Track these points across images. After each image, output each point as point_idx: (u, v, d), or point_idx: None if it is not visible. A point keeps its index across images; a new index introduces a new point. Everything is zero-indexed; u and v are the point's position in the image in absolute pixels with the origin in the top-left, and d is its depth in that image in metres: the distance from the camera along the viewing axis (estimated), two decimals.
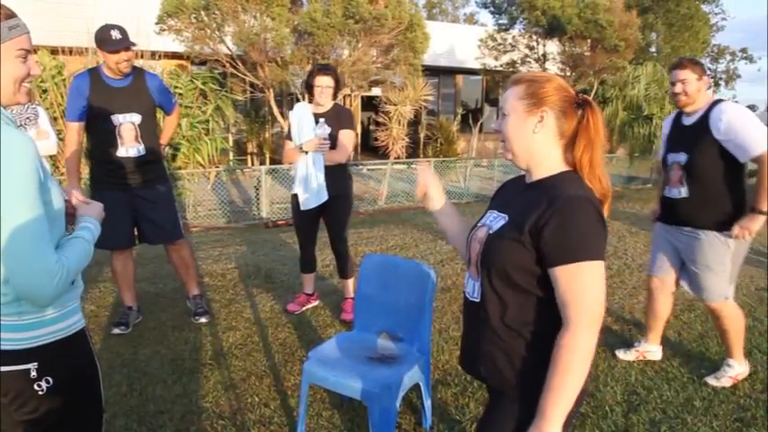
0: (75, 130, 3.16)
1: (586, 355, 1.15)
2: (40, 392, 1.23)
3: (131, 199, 3.24)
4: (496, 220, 1.32)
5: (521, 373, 1.25)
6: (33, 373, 1.21)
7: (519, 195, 1.33)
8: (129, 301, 3.43)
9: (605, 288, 1.20)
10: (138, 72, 3.23)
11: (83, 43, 8.26)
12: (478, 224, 1.39)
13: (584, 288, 1.15)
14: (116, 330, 3.29)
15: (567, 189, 1.22)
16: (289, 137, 3.48)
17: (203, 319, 3.48)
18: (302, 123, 3.38)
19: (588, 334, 1.15)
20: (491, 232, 1.31)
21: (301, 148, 3.34)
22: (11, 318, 1.19)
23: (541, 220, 1.19)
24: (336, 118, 3.38)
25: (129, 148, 3.17)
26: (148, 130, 3.24)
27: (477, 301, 1.32)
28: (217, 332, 3.33)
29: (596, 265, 1.16)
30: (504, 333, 1.27)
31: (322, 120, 3.37)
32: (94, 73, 3.15)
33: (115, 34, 3.01)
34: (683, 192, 2.78)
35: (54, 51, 8.23)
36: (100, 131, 3.15)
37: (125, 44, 3.04)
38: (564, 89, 1.28)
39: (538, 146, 1.28)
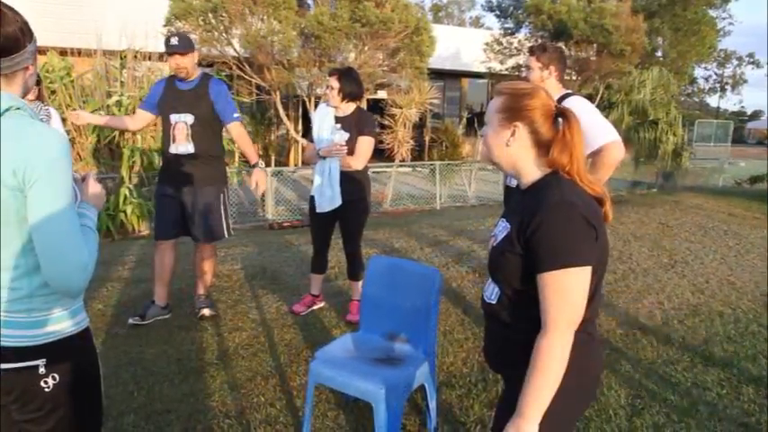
0: (138, 113, 3.58)
1: (561, 357, 1.19)
2: (47, 389, 1.24)
3: (178, 194, 3.43)
4: (502, 229, 1.37)
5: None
6: (42, 370, 1.23)
7: (518, 203, 1.37)
8: (156, 295, 3.53)
9: (586, 294, 1.22)
10: (204, 77, 3.42)
11: (91, 45, 8.35)
12: (491, 233, 1.44)
13: (562, 295, 1.19)
14: (130, 320, 3.42)
15: (547, 195, 1.24)
16: (311, 138, 3.52)
17: (206, 312, 3.56)
18: (322, 126, 3.41)
19: (563, 339, 1.19)
20: (495, 244, 1.36)
21: (319, 153, 3.37)
22: (20, 315, 1.21)
23: (528, 230, 1.22)
24: (356, 123, 3.37)
25: (179, 146, 3.36)
26: (201, 132, 3.36)
27: (494, 303, 1.37)
28: (223, 332, 3.36)
29: (576, 271, 1.19)
30: (515, 329, 1.32)
31: (338, 125, 3.37)
32: (170, 77, 3.42)
33: (173, 40, 3.25)
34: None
35: (63, 53, 8.30)
36: (163, 129, 3.45)
37: (173, 49, 3.22)
38: (541, 102, 1.29)
39: (514, 157, 1.32)
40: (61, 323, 1.26)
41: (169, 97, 3.37)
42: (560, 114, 1.30)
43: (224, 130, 3.52)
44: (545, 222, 1.20)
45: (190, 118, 3.33)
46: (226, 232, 3.56)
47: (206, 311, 3.56)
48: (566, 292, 1.18)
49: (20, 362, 1.21)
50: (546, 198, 1.23)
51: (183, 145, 3.35)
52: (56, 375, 1.24)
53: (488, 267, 1.39)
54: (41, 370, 1.23)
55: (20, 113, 1.18)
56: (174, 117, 3.34)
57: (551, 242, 1.19)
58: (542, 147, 1.30)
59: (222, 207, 3.51)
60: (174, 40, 3.25)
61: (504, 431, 1.23)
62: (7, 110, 1.16)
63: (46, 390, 1.24)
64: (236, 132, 3.47)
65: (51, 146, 1.16)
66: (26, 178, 1.13)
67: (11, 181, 1.12)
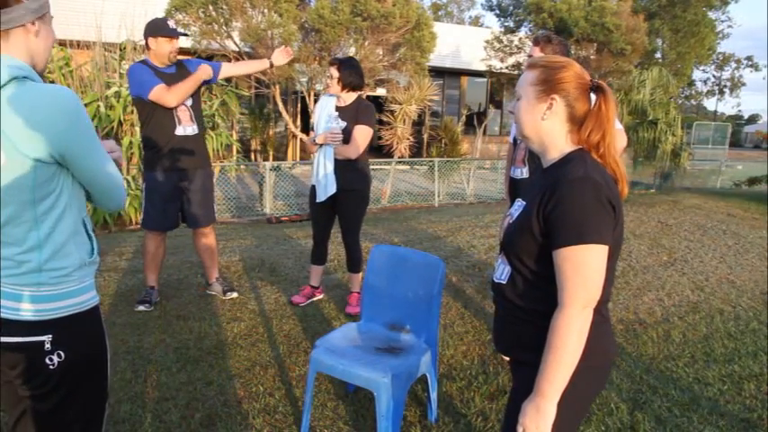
0: (161, 89, 3.23)
1: (579, 336, 1.17)
2: (51, 366, 1.22)
3: (180, 181, 3.44)
4: (518, 208, 1.36)
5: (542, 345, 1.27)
6: (47, 346, 1.20)
7: (538, 180, 1.35)
8: (152, 282, 3.58)
9: (603, 272, 1.20)
10: (179, 62, 3.45)
11: (90, 37, 8.29)
12: (506, 213, 1.42)
13: (580, 271, 1.17)
14: (141, 308, 3.44)
15: (570, 171, 1.23)
16: (312, 127, 3.55)
17: (234, 294, 3.70)
18: (321, 115, 3.41)
19: (580, 317, 1.17)
20: (511, 221, 1.35)
21: (314, 140, 3.37)
22: (29, 288, 1.19)
23: (550, 203, 1.21)
24: (355, 113, 3.36)
25: (186, 127, 3.39)
26: (198, 112, 3.48)
27: (504, 283, 1.35)
28: (221, 322, 3.33)
29: (595, 248, 1.17)
30: (527, 310, 1.30)
31: (336, 114, 3.37)
32: (145, 63, 3.36)
33: (171, 23, 3.31)
34: (525, 171, 2.81)
35: (62, 44, 8.25)
36: (157, 115, 3.32)
37: (177, 33, 3.33)
38: (578, 76, 1.29)
39: (547, 131, 1.30)
40: (70, 299, 1.24)
41: (161, 81, 3.29)
42: (595, 89, 1.29)
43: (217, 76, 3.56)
44: (567, 196, 1.18)
45: (189, 99, 3.38)
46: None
47: (234, 294, 3.70)
48: (584, 269, 1.16)
49: (25, 336, 1.19)
50: (569, 173, 1.22)
51: (189, 126, 3.39)
52: (61, 353, 1.22)
53: (502, 246, 1.37)
54: (47, 346, 1.20)
55: (26, 82, 1.14)
56: None
57: (572, 217, 1.17)
58: (575, 122, 1.29)
59: (212, 188, 3.69)
60: (172, 23, 3.32)
61: (522, 410, 1.21)
62: (11, 81, 1.12)
63: (50, 367, 1.21)
64: (226, 65, 3.63)
65: (71, 110, 1.16)
66: (61, 151, 1.16)
67: (45, 157, 1.14)
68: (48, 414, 1.26)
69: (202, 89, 3.59)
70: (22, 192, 1.14)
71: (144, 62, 3.35)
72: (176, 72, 3.38)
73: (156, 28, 3.26)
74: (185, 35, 3.37)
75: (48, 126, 1.12)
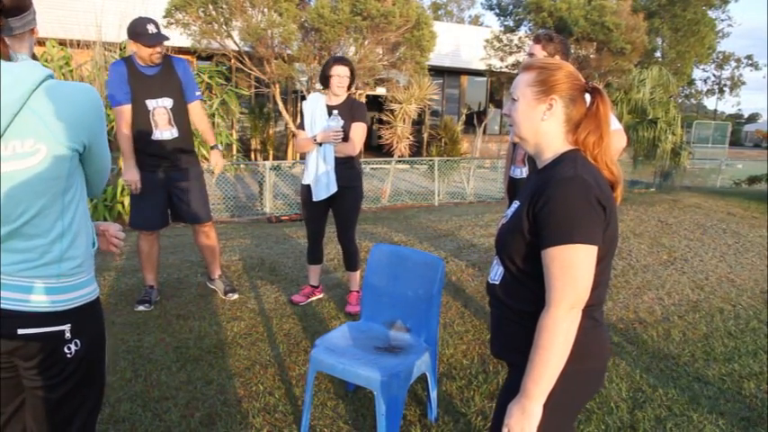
0: (126, 113, 3.26)
1: (566, 337, 1.16)
2: (69, 355, 1.26)
3: (166, 181, 3.40)
4: (512, 209, 1.36)
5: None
6: (67, 335, 1.24)
7: (533, 181, 1.35)
8: (150, 281, 3.58)
9: (591, 273, 1.19)
10: (165, 59, 3.35)
11: (90, 36, 8.29)
12: (503, 215, 1.43)
13: (567, 271, 1.16)
14: (140, 308, 3.44)
15: (560, 171, 1.23)
16: (301, 126, 3.49)
17: (235, 296, 3.67)
18: (315, 115, 3.39)
19: (567, 317, 1.16)
20: (504, 222, 1.36)
21: (315, 140, 3.34)
22: (50, 280, 1.22)
23: (539, 202, 1.21)
24: (349, 111, 3.37)
25: (163, 131, 3.33)
26: (180, 114, 3.39)
27: (497, 283, 1.35)
28: (221, 322, 3.33)
29: (582, 248, 1.16)
30: (517, 311, 1.30)
31: (335, 112, 3.36)
32: (129, 61, 3.29)
33: (151, 28, 3.18)
34: (525, 171, 2.82)
35: (62, 43, 8.25)
36: (136, 117, 3.29)
37: (161, 38, 3.20)
38: (574, 77, 1.30)
39: (545, 131, 1.30)
40: (83, 289, 1.28)
41: (139, 83, 3.24)
42: (590, 91, 1.30)
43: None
44: (555, 196, 1.18)
45: (168, 102, 3.31)
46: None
47: (236, 296, 3.68)
48: (571, 269, 1.16)
49: (48, 327, 1.22)
50: (559, 173, 1.22)
51: (167, 130, 3.33)
52: (77, 341, 1.26)
53: (495, 246, 1.38)
54: (67, 335, 1.24)
55: (55, 80, 1.21)
56: (150, 103, 3.26)
57: (560, 216, 1.17)
58: (572, 124, 1.30)
59: (204, 185, 3.63)
60: (153, 28, 3.16)
61: (508, 411, 1.20)
62: (46, 78, 1.18)
63: (68, 356, 1.25)
64: (198, 112, 3.53)
65: (98, 103, 1.25)
66: (90, 140, 1.25)
67: (80, 147, 1.22)
68: (56, 404, 1.29)
69: (203, 89, 3.57)
70: (58, 181, 1.19)
71: (129, 60, 3.27)
72: (159, 73, 3.29)
73: (136, 33, 3.15)
74: (166, 39, 3.23)
75: (83, 118, 1.21)
